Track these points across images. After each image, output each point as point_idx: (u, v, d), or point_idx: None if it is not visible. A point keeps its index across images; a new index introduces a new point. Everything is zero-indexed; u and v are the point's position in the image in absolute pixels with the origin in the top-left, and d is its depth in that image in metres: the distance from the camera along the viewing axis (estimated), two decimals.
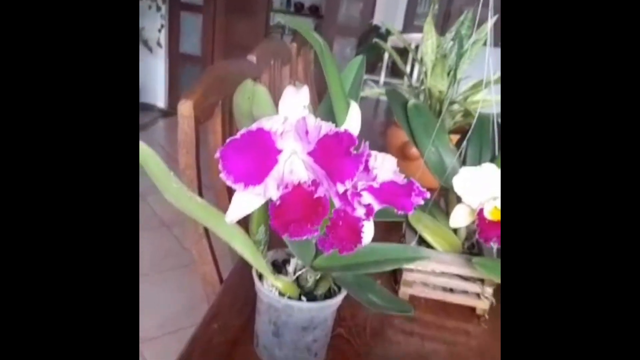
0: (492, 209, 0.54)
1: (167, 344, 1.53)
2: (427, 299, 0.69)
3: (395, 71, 3.21)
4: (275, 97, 0.41)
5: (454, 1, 3.30)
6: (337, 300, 0.51)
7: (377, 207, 0.36)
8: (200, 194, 0.70)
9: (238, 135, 0.32)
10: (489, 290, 0.67)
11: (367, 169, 0.34)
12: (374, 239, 0.46)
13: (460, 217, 0.60)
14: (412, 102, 0.73)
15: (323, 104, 0.47)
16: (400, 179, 0.36)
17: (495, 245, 0.64)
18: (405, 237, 0.69)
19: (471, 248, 0.71)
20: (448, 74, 1.05)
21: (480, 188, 0.55)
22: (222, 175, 0.32)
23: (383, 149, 0.52)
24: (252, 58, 0.94)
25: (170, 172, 0.43)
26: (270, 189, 0.33)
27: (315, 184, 0.33)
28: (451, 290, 0.69)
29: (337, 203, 0.34)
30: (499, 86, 1.06)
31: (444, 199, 0.74)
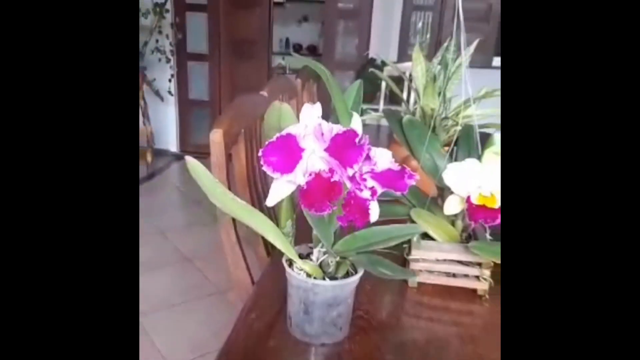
0: (477, 196, 0.65)
1: None
2: (433, 284, 0.79)
3: (393, 99, 3.36)
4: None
5: (443, 30, 3.49)
6: (355, 279, 0.61)
7: (379, 190, 0.48)
8: None
9: (274, 139, 0.44)
10: (486, 273, 0.77)
11: (368, 157, 0.46)
12: None
13: (452, 205, 0.71)
14: (406, 117, 0.85)
15: (331, 119, 0.60)
16: (395, 166, 0.48)
17: (487, 230, 0.75)
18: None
19: (468, 238, 0.82)
20: (439, 94, 1.18)
21: (465, 180, 0.66)
22: (264, 168, 0.44)
23: None
24: (264, 93, 1.08)
25: (216, 180, 0.55)
26: (298, 177, 0.45)
27: (331, 171, 0.45)
28: (454, 275, 0.79)
29: (348, 184, 0.45)
30: (482, 101, 1.19)
31: (440, 198, 0.85)
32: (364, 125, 0.84)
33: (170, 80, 3.52)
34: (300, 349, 0.63)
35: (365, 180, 0.46)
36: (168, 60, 3.40)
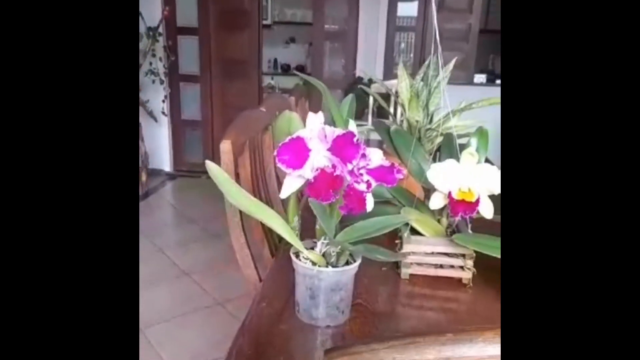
0: (457, 191, 0.75)
1: None
2: (423, 275, 0.88)
3: (380, 114, 3.49)
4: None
5: (425, 49, 3.65)
6: (354, 266, 0.70)
7: (374, 183, 0.57)
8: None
9: (287, 140, 0.54)
10: (470, 263, 0.86)
11: (364, 155, 0.55)
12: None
13: (437, 201, 0.80)
14: (393, 127, 0.96)
15: None
16: (386, 163, 0.57)
17: (469, 225, 0.84)
18: (400, 228, 0.89)
19: (452, 233, 0.91)
20: (424, 108, 1.29)
21: (447, 178, 0.76)
22: (278, 165, 0.53)
23: None
24: (263, 109, 1.17)
25: (232, 180, 0.64)
26: (307, 172, 0.55)
27: (333, 167, 0.54)
28: (441, 266, 0.88)
29: (348, 178, 0.55)
30: (462, 114, 1.30)
31: (426, 198, 0.95)
32: None
33: (163, 101, 3.62)
34: (308, 330, 0.72)
35: (361, 175, 0.55)
36: (162, 82, 3.50)
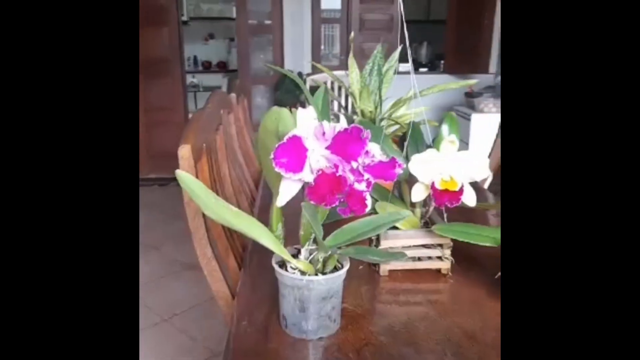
0: (440, 181, 0.73)
1: None
2: (402, 270, 0.86)
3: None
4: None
5: (355, 42, 3.68)
6: (344, 270, 0.66)
7: (373, 181, 0.52)
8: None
9: (285, 140, 0.47)
10: (447, 252, 0.85)
11: (367, 152, 0.50)
12: None
13: (418, 193, 0.78)
14: (357, 119, 0.92)
15: None
16: (384, 158, 0.53)
17: (445, 215, 0.83)
18: None
19: (426, 224, 0.89)
20: (374, 98, 1.27)
21: (428, 168, 0.73)
22: (276, 168, 0.47)
23: None
24: (209, 108, 1.08)
25: (209, 190, 0.56)
26: (307, 175, 0.48)
27: (335, 167, 0.49)
28: (419, 258, 0.86)
29: (351, 177, 0.50)
30: (412, 102, 1.30)
31: (397, 190, 0.92)
32: None
33: None
34: (300, 346, 0.66)
35: (363, 174, 0.51)
36: None
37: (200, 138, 0.82)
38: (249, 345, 0.66)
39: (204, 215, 0.79)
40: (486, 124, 3.30)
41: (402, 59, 1.33)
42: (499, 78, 3.54)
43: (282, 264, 0.65)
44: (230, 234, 0.92)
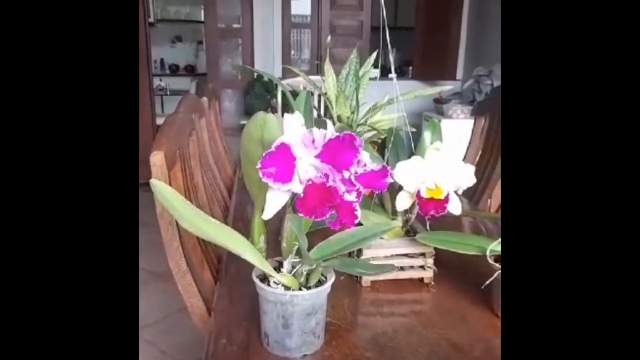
0: (425, 190, 0.71)
1: None
2: (385, 280, 0.84)
3: (286, 112, 3.44)
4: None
5: (321, 45, 3.67)
6: (329, 284, 0.63)
7: (362, 190, 0.50)
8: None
9: (273, 148, 0.44)
10: (430, 261, 0.83)
11: (359, 160, 0.48)
12: None
13: (403, 201, 0.76)
14: (338, 125, 0.89)
15: None
16: (375, 167, 0.50)
17: (427, 223, 0.81)
18: None
19: (407, 233, 0.88)
20: (350, 104, 1.25)
21: (413, 176, 0.72)
22: (264, 179, 0.43)
23: None
24: (181, 112, 1.04)
25: (186, 202, 0.52)
26: (295, 185, 0.45)
27: (326, 177, 0.46)
28: (402, 268, 0.84)
29: (342, 187, 0.47)
30: (390, 107, 1.29)
31: (377, 199, 0.90)
32: None
33: None
34: None
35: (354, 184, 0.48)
36: None
37: (173, 144, 0.78)
38: None
39: (178, 226, 0.75)
40: (455, 130, 3.34)
41: (374, 65, 1.32)
42: (466, 85, 3.61)
43: (264, 278, 0.62)
44: (205, 245, 0.88)
